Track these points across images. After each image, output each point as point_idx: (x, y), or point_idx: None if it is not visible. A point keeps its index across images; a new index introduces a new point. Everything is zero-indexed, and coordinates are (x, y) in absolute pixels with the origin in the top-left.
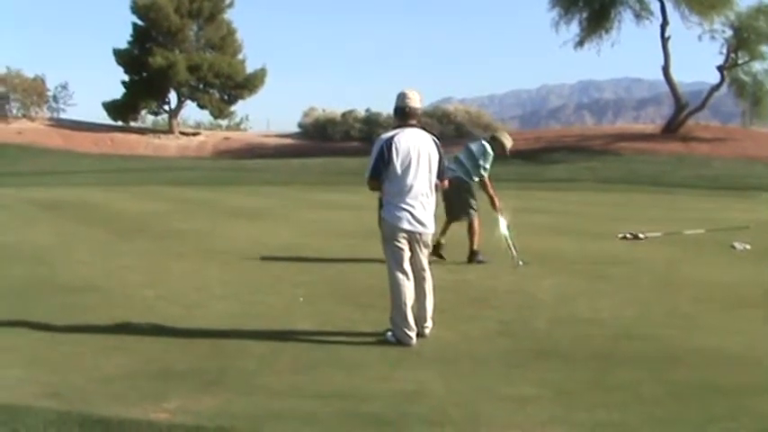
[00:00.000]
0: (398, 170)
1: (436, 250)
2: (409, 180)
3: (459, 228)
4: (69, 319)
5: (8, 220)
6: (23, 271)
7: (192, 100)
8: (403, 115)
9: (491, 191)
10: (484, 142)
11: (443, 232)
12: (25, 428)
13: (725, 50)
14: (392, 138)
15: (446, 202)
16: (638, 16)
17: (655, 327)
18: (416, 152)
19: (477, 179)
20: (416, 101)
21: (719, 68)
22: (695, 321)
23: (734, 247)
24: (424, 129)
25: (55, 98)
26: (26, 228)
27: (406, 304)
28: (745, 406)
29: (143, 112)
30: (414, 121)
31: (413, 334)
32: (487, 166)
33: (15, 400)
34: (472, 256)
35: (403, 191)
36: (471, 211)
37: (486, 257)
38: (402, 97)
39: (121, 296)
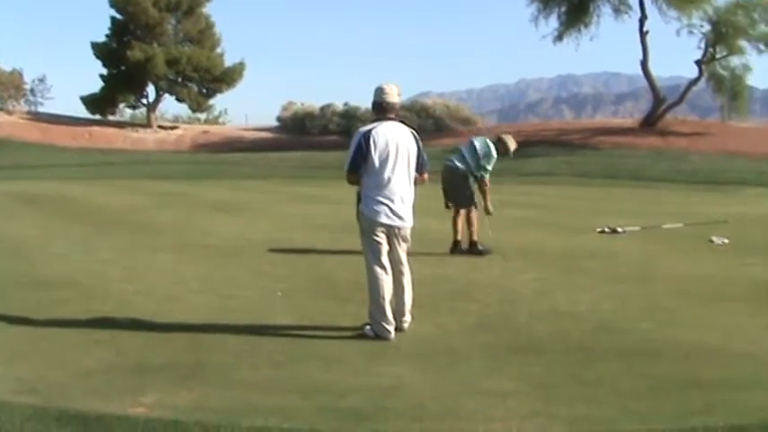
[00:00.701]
0: (376, 164)
1: (457, 247)
2: (387, 174)
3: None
4: (47, 314)
5: None
6: (1, 265)
7: (171, 93)
8: (381, 110)
9: (487, 194)
10: (489, 142)
11: (456, 229)
12: (2, 423)
13: (703, 45)
14: (370, 131)
15: (446, 193)
16: (616, 11)
17: (633, 320)
18: (395, 146)
19: (476, 177)
20: (394, 95)
21: (697, 63)
22: (673, 315)
23: (712, 242)
24: (403, 122)
25: (32, 92)
26: (4, 222)
27: (384, 298)
28: (723, 400)
29: (121, 105)
30: (392, 115)
31: (391, 328)
32: (489, 167)
33: None
34: (472, 248)
35: (381, 184)
36: (471, 201)
37: (486, 247)
38: (379, 92)
39: (99, 290)
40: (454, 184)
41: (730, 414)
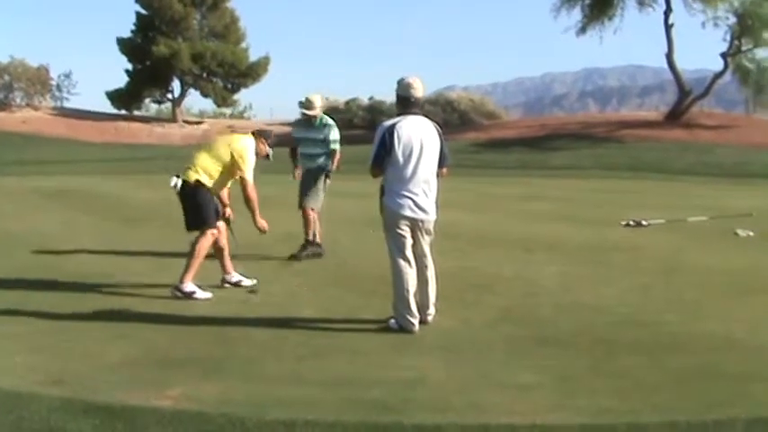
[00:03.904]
0: (400, 158)
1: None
2: (411, 167)
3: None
4: (73, 308)
5: (13, 208)
6: (28, 259)
7: (196, 88)
8: (406, 103)
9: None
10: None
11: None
12: (30, 415)
13: (728, 37)
14: (394, 125)
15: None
16: (641, 3)
17: (657, 313)
18: (418, 140)
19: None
20: (420, 89)
21: (723, 56)
22: (698, 308)
23: (737, 234)
24: (427, 116)
25: (59, 87)
26: (31, 216)
27: (408, 291)
28: (747, 392)
29: (146, 100)
30: (416, 109)
31: (415, 321)
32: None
33: (20, 387)
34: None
35: (405, 178)
36: (316, 199)
37: (322, 249)
38: (406, 86)
39: (125, 284)
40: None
41: (754, 406)
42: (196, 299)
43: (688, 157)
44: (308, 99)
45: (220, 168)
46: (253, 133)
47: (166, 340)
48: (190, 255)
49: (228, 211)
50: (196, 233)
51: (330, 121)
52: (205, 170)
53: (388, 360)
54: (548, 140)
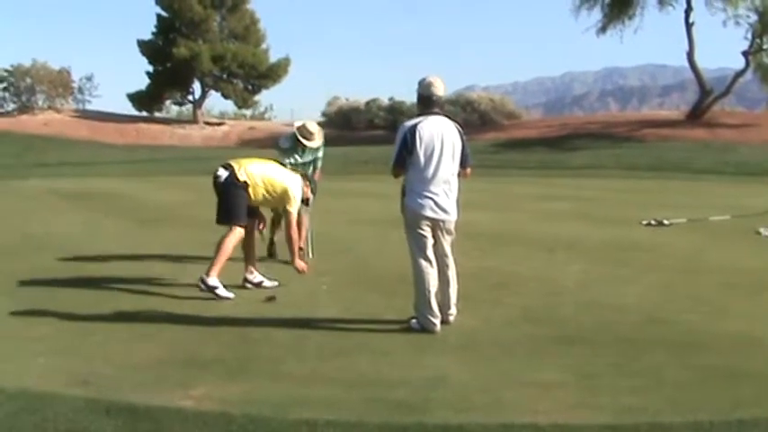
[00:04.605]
0: (422, 158)
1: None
2: (432, 168)
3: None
4: (96, 309)
5: (35, 210)
6: (50, 261)
7: (216, 90)
8: (428, 103)
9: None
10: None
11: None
12: (54, 415)
13: (749, 36)
14: (416, 125)
15: None
16: (661, 2)
17: (679, 312)
18: (440, 140)
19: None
20: (441, 89)
21: (744, 54)
22: (720, 307)
23: (759, 233)
24: (448, 117)
25: (80, 90)
26: (53, 218)
27: (429, 291)
28: None
29: (167, 102)
30: (437, 109)
31: (437, 321)
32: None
33: (45, 387)
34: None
35: (426, 178)
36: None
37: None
38: (428, 86)
39: (148, 285)
40: None
41: None
42: (218, 294)
43: (709, 156)
44: (308, 130)
45: (267, 189)
46: (303, 175)
47: (189, 341)
48: (217, 249)
49: (263, 225)
50: (224, 229)
51: (321, 144)
52: (252, 179)
53: (409, 360)
54: (568, 140)
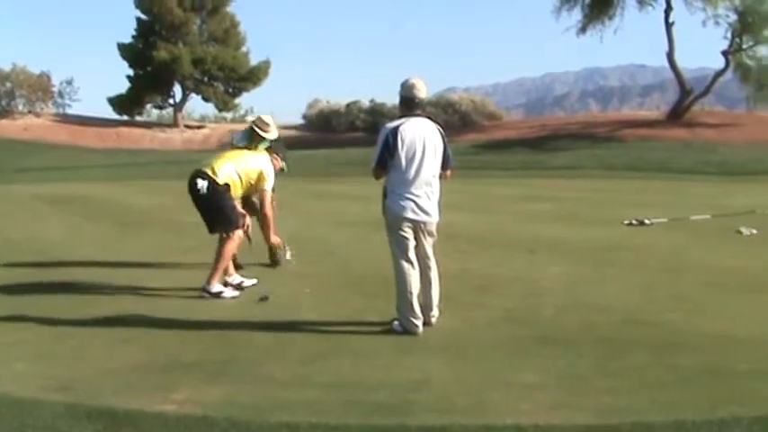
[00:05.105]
0: (403, 160)
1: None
2: (414, 170)
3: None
4: (75, 313)
5: (16, 215)
6: (31, 266)
7: (197, 93)
8: (410, 105)
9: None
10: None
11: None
12: (33, 421)
13: (729, 35)
14: (397, 127)
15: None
16: (641, 2)
17: (661, 312)
18: (422, 142)
19: None
20: (423, 91)
21: (724, 53)
22: (702, 306)
23: (740, 232)
24: (430, 118)
25: (60, 94)
26: (34, 223)
27: (411, 293)
28: (753, 390)
29: (148, 106)
30: (419, 111)
31: (419, 323)
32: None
33: (24, 393)
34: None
35: (408, 180)
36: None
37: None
38: (410, 87)
39: (128, 289)
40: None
41: (759, 405)
42: (224, 298)
43: (690, 156)
44: (264, 122)
45: (244, 180)
46: (267, 149)
47: (170, 345)
48: (217, 257)
49: (248, 221)
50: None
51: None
52: (230, 178)
53: (391, 362)
54: (549, 141)
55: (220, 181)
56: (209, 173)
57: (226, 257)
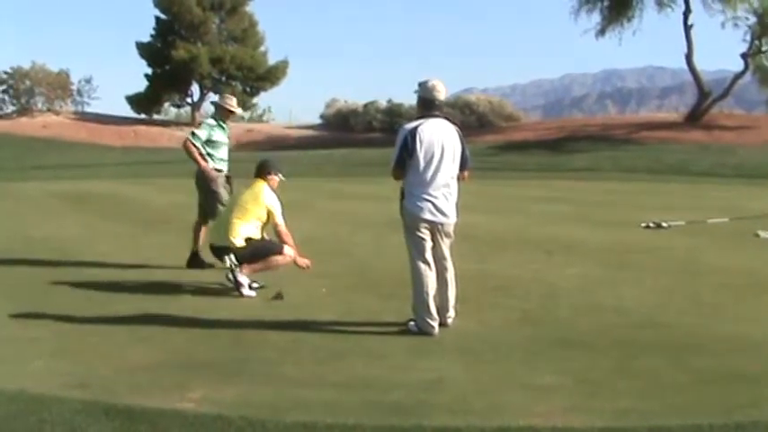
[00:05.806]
0: (421, 161)
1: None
2: (432, 170)
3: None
4: (94, 312)
5: (34, 213)
6: (49, 264)
7: (215, 92)
8: (429, 106)
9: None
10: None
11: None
12: (51, 418)
13: (748, 38)
14: (416, 128)
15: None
16: (660, 4)
17: (678, 315)
18: (440, 143)
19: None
20: (443, 92)
21: (743, 56)
22: (719, 309)
23: (758, 235)
24: (448, 119)
25: (79, 92)
26: (52, 221)
27: (428, 294)
28: None
29: (166, 104)
30: (438, 112)
31: (435, 324)
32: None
33: (43, 390)
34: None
35: (425, 181)
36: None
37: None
38: (429, 88)
39: (146, 288)
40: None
41: None
42: (242, 293)
43: (708, 159)
44: (229, 97)
45: (260, 223)
46: (260, 177)
47: (187, 343)
48: (263, 260)
49: (308, 262)
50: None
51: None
52: (247, 233)
53: (407, 363)
54: (567, 142)
55: (239, 244)
56: (230, 246)
57: (269, 265)
